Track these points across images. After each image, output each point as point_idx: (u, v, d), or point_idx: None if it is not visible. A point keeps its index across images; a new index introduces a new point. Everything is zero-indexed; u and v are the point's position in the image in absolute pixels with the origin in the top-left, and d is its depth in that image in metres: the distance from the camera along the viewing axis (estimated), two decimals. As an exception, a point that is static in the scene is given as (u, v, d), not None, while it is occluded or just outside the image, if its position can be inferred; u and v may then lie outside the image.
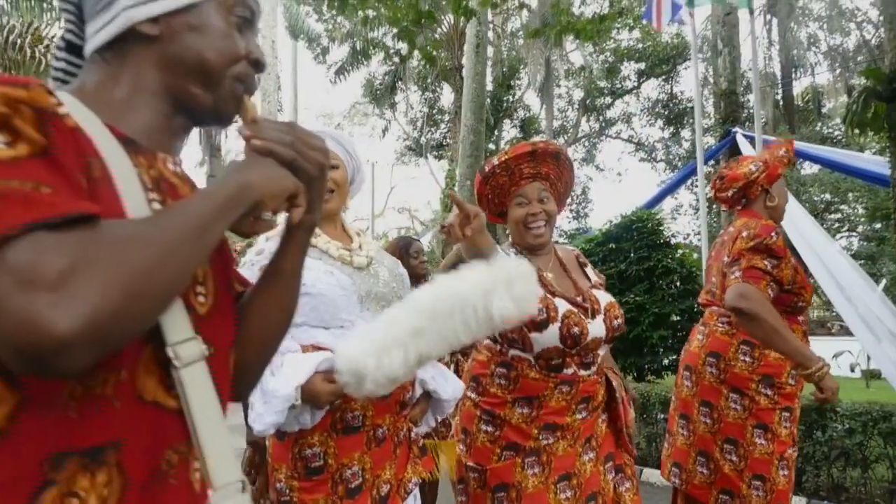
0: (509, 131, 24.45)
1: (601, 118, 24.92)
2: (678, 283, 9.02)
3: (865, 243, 17.75)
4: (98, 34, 0.86)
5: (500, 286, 1.34)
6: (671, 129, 23.67)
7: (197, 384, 0.77)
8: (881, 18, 17.66)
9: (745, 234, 2.57)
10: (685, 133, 23.43)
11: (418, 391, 1.94)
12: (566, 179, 2.29)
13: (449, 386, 2.00)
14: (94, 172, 0.73)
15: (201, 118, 0.91)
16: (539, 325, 2.02)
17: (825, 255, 7.77)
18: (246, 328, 0.93)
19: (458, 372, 4.12)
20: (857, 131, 6.73)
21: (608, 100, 24.21)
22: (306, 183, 0.86)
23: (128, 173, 0.77)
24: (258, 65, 0.93)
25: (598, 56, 22.65)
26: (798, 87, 20.17)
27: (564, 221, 23.85)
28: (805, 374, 2.39)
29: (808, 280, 2.61)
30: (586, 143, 25.16)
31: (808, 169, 18.10)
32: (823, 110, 20.78)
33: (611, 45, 22.00)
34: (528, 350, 2.06)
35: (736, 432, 2.57)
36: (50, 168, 0.66)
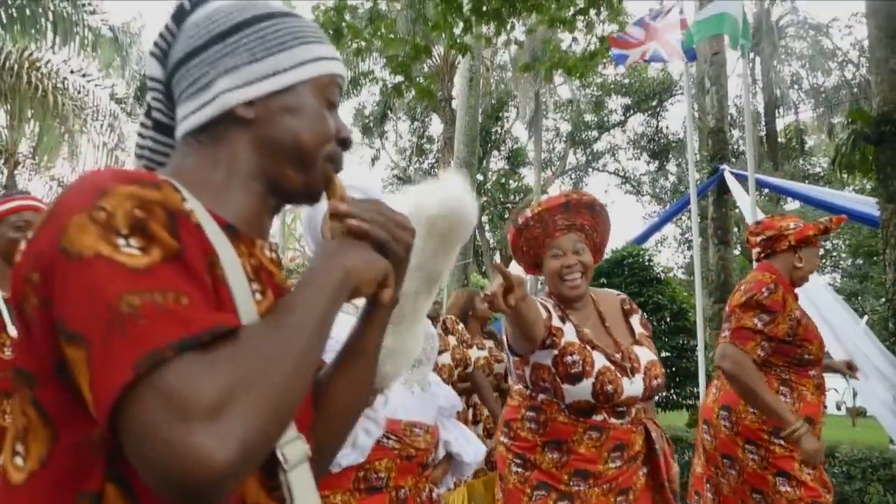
0: (497, 162, 24.62)
1: (588, 151, 25.20)
2: (668, 320, 9.05)
3: (848, 280, 17.97)
4: (192, 116, 0.85)
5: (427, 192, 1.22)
6: (657, 162, 23.97)
7: (302, 486, 0.75)
8: (861, 59, 18.18)
9: (742, 288, 2.69)
10: (670, 167, 23.75)
11: (441, 452, 1.93)
12: (602, 229, 2.26)
13: (471, 448, 1.98)
14: (216, 270, 0.72)
15: (292, 198, 0.91)
16: (573, 376, 2.02)
17: (810, 289, 7.84)
18: (324, 410, 0.92)
19: (476, 417, 4.09)
20: (845, 173, 6.87)
21: (595, 133, 24.50)
22: (394, 264, 0.86)
23: (236, 267, 0.76)
24: (346, 143, 0.93)
25: (585, 90, 22.98)
26: (780, 124, 20.56)
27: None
28: (784, 435, 2.47)
29: (817, 332, 2.61)
30: (573, 176, 25.38)
31: (792, 205, 18.38)
32: (805, 147, 21.19)
33: (597, 79, 22.33)
34: (558, 399, 2.07)
35: (759, 482, 2.59)
36: (183, 273, 0.66)
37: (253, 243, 0.85)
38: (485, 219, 21.91)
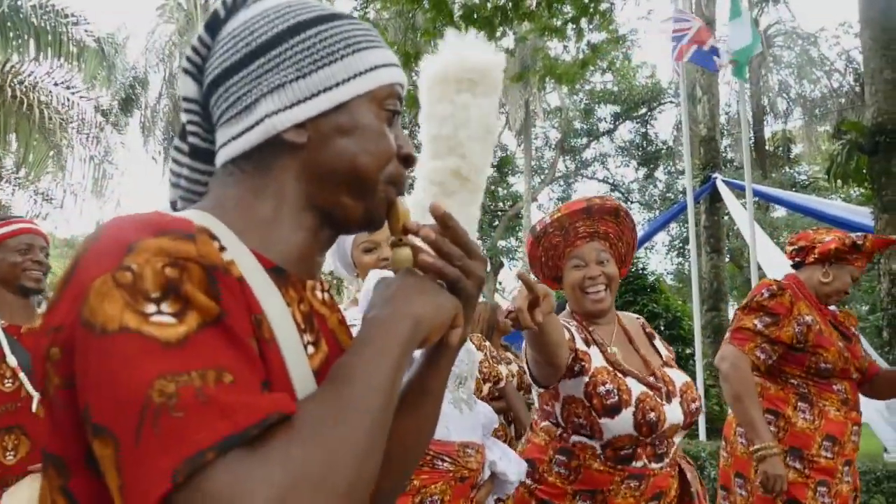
0: (486, 170, 24.58)
1: (577, 159, 25.24)
2: (663, 328, 9.02)
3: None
4: (234, 142, 0.74)
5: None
6: (645, 170, 24.05)
7: None
8: (848, 69, 18.33)
9: (752, 293, 2.66)
10: (659, 174, 23.82)
11: (486, 473, 1.93)
12: (627, 238, 2.06)
13: (514, 467, 1.98)
14: (262, 330, 0.63)
15: (349, 228, 0.80)
16: (610, 409, 1.79)
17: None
18: (386, 454, 0.81)
19: (518, 433, 3.97)
20: (840, 182, 6.86)
21: (584, 141, 24.56)
22: (464, 300, 0.76)
23: (285, 322, 0.67)
24: (409, 160, 0.81)
25: (574, 97, 23.05)
26: (768, 131, 20.69)
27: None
28: (751, 450, 2.41)
29: (835, 341, 2.50)
30: (562, 183, 25.41)
31: (780, 212, 18.48)
32: (792, 155, 21.31)
33: (586, 87, 22.40)
34: (595, 437, 1.84)
35: None
36: (225, 341, 0.56)
37: (303, 285, 0.75)
38: (474, 227, 21.81)
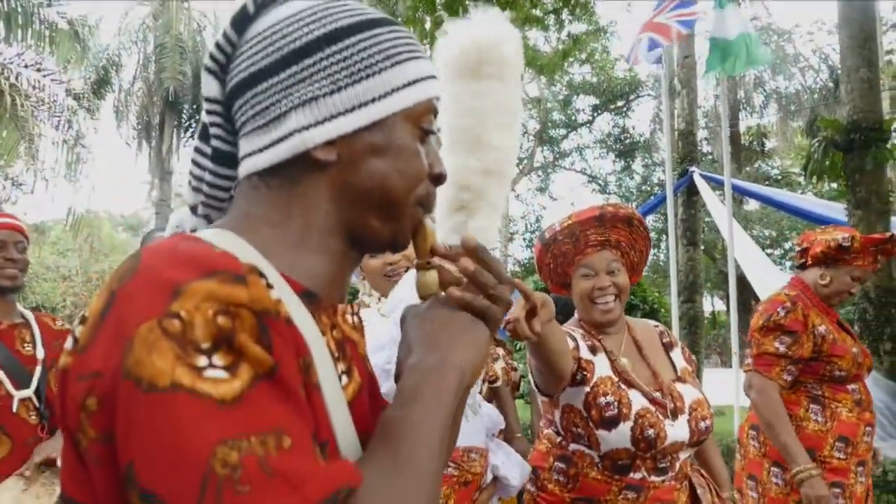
0: (465, 160, 24.54)
1: (555, 149, 25.31)
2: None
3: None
4: (260, 155, 0.70)
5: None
6: (623, 162, 24.20)
7: None
8: (822, 65, 18.60)
9: (760, 308, 2.62)
10: (636, 167, 23.99)
11: (489, 476, 1.94)
12: (640, 247, 1.98)
13: (517, 471, 1.99)
14: (311, 377, 0.60)
15: (374, 249, 0.77)
16: (608, 421, 1.75)
17: (775, 283, 8.03)
18: None
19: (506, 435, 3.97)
20: (815, 178, 6.99)
21: (563, 131, 24.63)
22: (492, 328, 0.74)
23: (323, 355, 0.64)
24: (440, 179, 0.77)
25: (553, 88, 23.07)
26: (742, 126, 20.93)
27: (518, 250, 24.05)
28: (791, 475, 2.41)
29: (849, 347, 2.52)
30: (541, 174, 25.47)
31: (753, 205, 18.75)
32: (766, 149, 21.61)
33: (565, 78, 22.44)
34: (593, 448, 1.80)
35: None
36: (279, 396, 0.53)
37: (335, 310, 0.72)
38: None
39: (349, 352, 0.72)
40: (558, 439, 1.90)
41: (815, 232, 2.71)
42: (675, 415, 1.80)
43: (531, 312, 1.23)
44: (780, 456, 2.51)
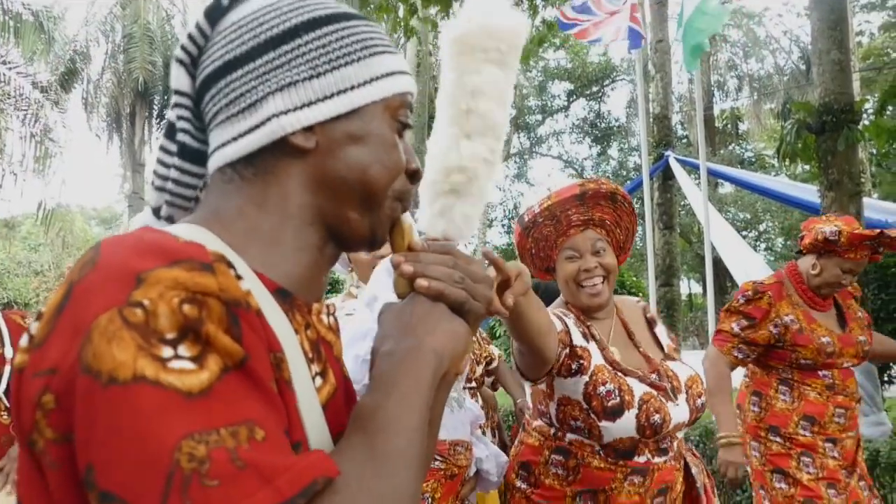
0: (441, 148, 24.51)
1: (532, 135, 25.36)
2: (618, 304, 9.18)
3: (781, 261, 18.70)
4: (234, 144, 0.67)
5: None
6: (599, 147, 24.33)
7: None
8: (793, 47, 18.82)
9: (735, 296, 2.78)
10: (612, 152, 24.14)
11: (472, 470, 1.93)
12: (626, 224, 1.87)
13: (497, 465, 1.99)
14: (283, 373, 0.57)
15: (352, 245, 0.74)
16: (611, 411, 1.64)
17: (751, 266, 8.17)
18: None
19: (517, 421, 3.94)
20: (788, 160, 7.06)
21: (539, 117, 24.67)
22: (471, 323, 0.72)
23: (296, 354, 0.61)
24: (416, 176, 0.76)
25: (528, 74, 23.07)
26: (717, 109, 21.12)
27: (496, 236, 24.11)
28: (717, 437, 2.61)
29: (818, 339, 2.58)
30: (518, 160, 25.51)
31: (728, 188, 18.97)
32: (739, 132, 21.85)
33: (540, 63, 22.45)
34: (594, 439, 1.71)
35: (760, 478, 2.64)
36: (250, 388, 0.51)
37: (309, 309, 0.70)
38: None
39: (324, 353, 0.69)
40: (552, 431, 1.79)
41: (817, 219, 2.75)
42: (675, 395, 1.73)
43: (504, 285, 1.08)
44: (753, 431, 2.68)
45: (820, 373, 2.60)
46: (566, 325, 1.75)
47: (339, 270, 2.11)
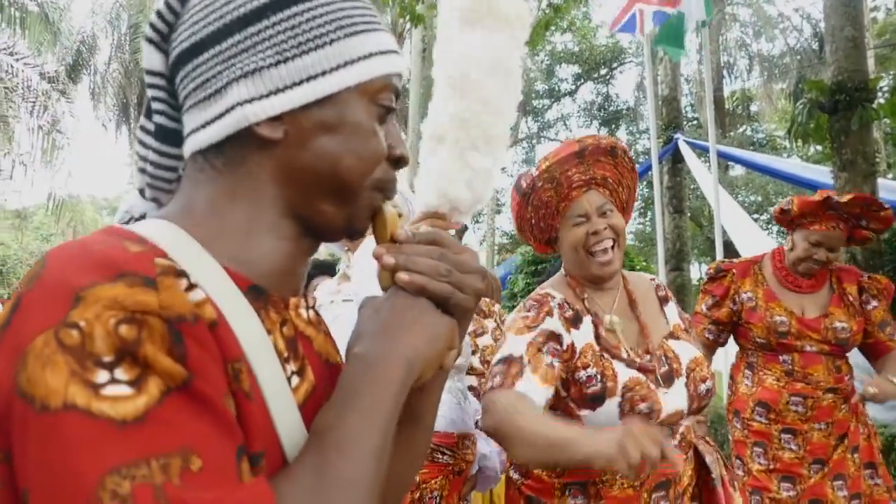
0: (449, 133, 24.46)
1: (539, 120, 25.21)
2: (628, 289, 9.13)
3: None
4: (202, 131, 0.65)
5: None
6: (607, 130, 24.16)
7: None
8: (804, 24, 18.55)
9: None
10: (621, 134, 23.97)
11: (475, 467, 1.88)
12: (628, 181, 1.72)
13: (498, 463, 1.95)
14: (241, 384, 0.54)
15: (329, 237, 0.71)
16: (590, 398, 1.51)
17: (762, 249, 8.08)
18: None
19: None
20: (800, 141, 6.96)
21: (546, 102, 24.51)
22: (459, 317, 0.68)
23: (267, 356, 0.58)
24: (400, 162, 0.71)
25: (535, 58, 22.91)
26: (727, 90, 20.90)
27: (506, 223, 24.04)
28: None
29: (770, 317, 2.57)
30: (525, 145, 25.39)
31: (738, 171, 18.80)
32: (751, 113, 21.62)
33: (547, 47, 22.27)
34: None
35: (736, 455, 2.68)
36: (193, 410, 0.48)
37: (286, 304, 0.67)
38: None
39: (302, 350, 0.66)
40: None
41: (794, 197, 2.72)
42: (669, 380, 1.57)
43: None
44: (726, 413, 2.73)
45: (780, 357, 2.56)
46: (543, 315, 1.58)
47: (335, 249, 2.06)
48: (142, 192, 0.72)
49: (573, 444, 1.26)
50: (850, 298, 2.59)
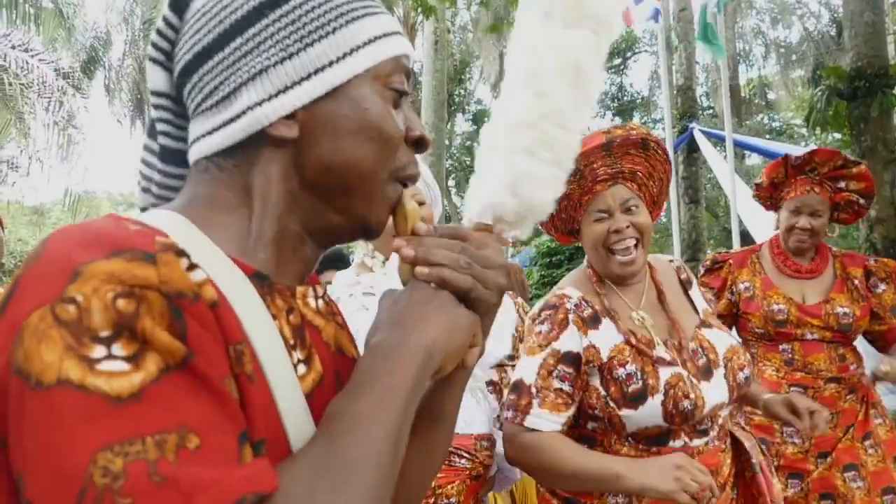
0: (462, 125, 24.39)
1: (553, 111, 25.12)
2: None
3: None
4: (211, 137, 0.63)
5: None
6: (621, 120, 24.00)
7: None
8: (821, 10, 18.28)
9: None
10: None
11: (494, 468, 1.77)
12: (660, 173, 1.61)
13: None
14: (244, 366, 0.53)
15: (345, 236, 0.69)
16: (632, 398, 1.43)
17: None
18: (400, 485, 0.66)
19: None
20: (818, 129, 6.87)
21: (559, 93, 24.41)
22: (482, 313, 0.65)
23: (272, 340, 0.57)
24: (420, 144, 0.69)
25: (549, 49, 22.80)
26: (742, 78, 20.67)
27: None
28: None
29: (768, 306, 2.49)
30: (539, 137, 25.29)
31: (755, 159, 18.59)
32: (767, 102, 21.37)
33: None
34: (615, 429, 1.49)
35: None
36: (192, 389, 0.47)
37: (292, 293, 0.65)
38: (451, 183, 21.78)
39: (309, 339, 0.64)
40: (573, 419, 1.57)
41: None
42: (708, 373, 1.49)
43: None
44: (767, 388, 2.52)
45: (780, 346, 2.46)
46: (560, 319, 1.52)
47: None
48: (144, 210, 0.71)
49: (623, 480, 1.33)
50: (855, 283, 2.49)
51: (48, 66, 11.56)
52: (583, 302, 1.56)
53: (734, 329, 2.60)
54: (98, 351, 0.44)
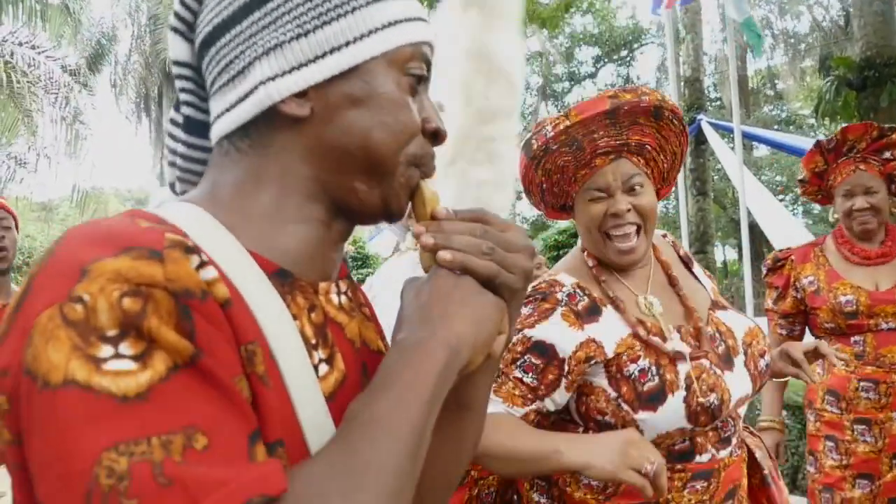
0: (468, 119, 24.41)
1: (559, 104, 24.98)
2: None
3: (821, 225, 18.24)
4: (227, 115, 0.63)
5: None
6: (628, 113, 23.91)
7: None
8: (830, 1, 18.09)
9: None
10: (642, 117, 23.72)
11: None
12: (673, 146, 1.37)
13: None
14: (256, 367, 0.52)
15: (365, 218, 0.68)
16: (648, 397, 1.22)
17: (788, 230, 7.96)
18: (426, 477, 0.62)
19: None
20: (827, 120, 6.81)
21: (566, 85, 24.27)
22: (508, 299, 0.63)
23: (291, 340, 0.56)
24: (438, 135, 0.68)
25: (554, 41, 22.68)
26: (750, 69, 20.51)
27: (526, 209, 23.92)
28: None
29: (835, 298, 2.34)
30: (545, 129, 25.22)
31: (763, 151, 18.47)
32: (777, 91, 21.21)
33: (567, 29, 22.03)
34: None
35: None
36: (201, 388, 0.46)
37: (315, 290, 0.64)
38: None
39: (332, 337, 0.63)
40: (580, 429, 1.34)
41: None
42: (728, 361, 1.31)
43: None
44: (812, 395, 2.44)
45: (852, 339, 2.31)
46: (560, 307, 1.30)
47: (396, 231, 1.80)
48: (172, 186, 0.71)
49: (561, 456, 1.15)
50: None
51: (55, 63, 11.59)
52: (577, 291, 1.33)
53: (807, 328, 2.50)
54: (105, 350, 0.44)
